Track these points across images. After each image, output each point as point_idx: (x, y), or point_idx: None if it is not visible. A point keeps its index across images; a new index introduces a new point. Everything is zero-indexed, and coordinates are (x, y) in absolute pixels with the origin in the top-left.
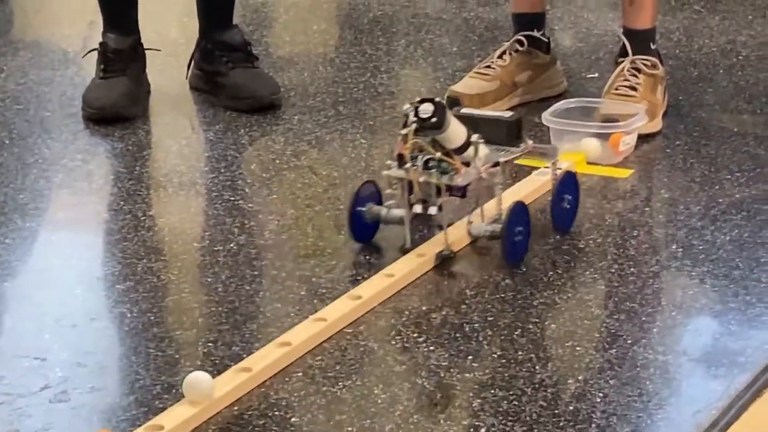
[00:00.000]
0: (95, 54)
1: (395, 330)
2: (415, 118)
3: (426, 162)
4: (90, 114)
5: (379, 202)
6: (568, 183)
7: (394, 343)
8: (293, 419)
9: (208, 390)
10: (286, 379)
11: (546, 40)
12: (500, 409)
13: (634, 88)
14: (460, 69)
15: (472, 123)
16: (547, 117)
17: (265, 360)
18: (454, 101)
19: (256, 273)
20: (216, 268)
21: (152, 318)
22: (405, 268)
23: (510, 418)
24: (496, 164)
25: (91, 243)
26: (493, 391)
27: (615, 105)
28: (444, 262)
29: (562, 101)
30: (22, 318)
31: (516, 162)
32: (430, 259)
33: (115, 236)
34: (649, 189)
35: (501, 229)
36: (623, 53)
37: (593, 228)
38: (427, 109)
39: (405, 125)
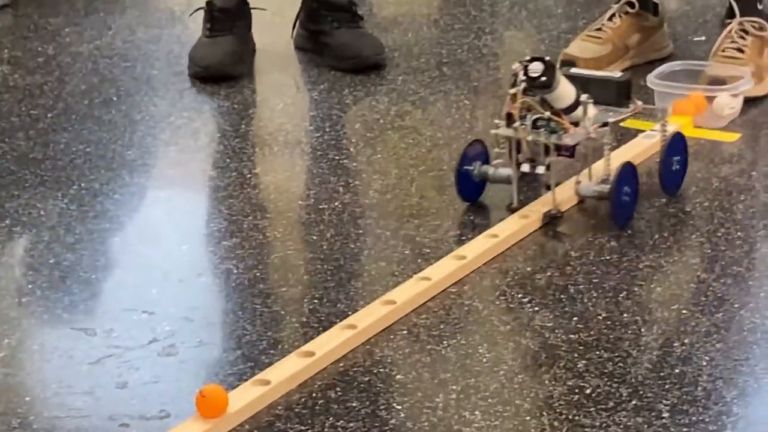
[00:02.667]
0: (201, 13)
1: (499, 290)
2: (525, 77)
3: (535, 121)
4: (196, 72)
5: (487, 161)
6: (677, 145)
7: (498, 303)
8: (398, 377)
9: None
10: (391, 337)
11: (656, 1)
12: (605, 371)
13: (741, 50)
14: (565, 31)
15: (581, 83)
16: (651, 79)
17: (370, 317)
18: (570, 64)
19: (360, 232)
20: (321, 226)
21: (258, 274)
22: (509, 229)
23: (615, 379)
24: (605, 124)
25: (198, 199)
26: (598, 353)
27: (721, 67)
28: (551, 221)
29: (668, 64)
30: (131, 272)
31: (622, 124)
32: (535, 220)
33: (221, 193)
34: (755, 153)
35: (609, 190)
36: (730, 14)
37: (699, 192)
38: (536, 68)
39: (514, 84)
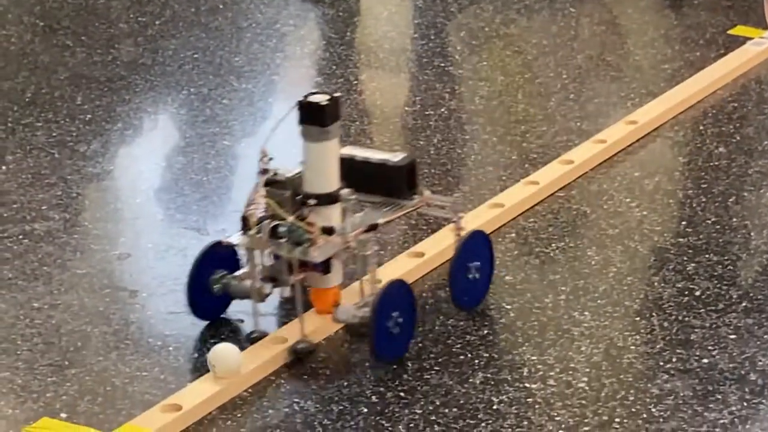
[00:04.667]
0: None
1: (607, 195)
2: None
3: (274, 228)
4: None
5: (235, 268)
6: (475, 246)
7: (606, 207)
8: (507, 278)
9: (235, 365)
10: (499, 239)
11: None
12: (715, 273)
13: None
14: None
15: (348, 169)
16: None
17: (478, 219)
18: None
19: (467, 137)
20: (428, 131)
21: None
22: (617, 134)
23: (725, 281)
24: (373, 227)
25: None
26: (707, 256)
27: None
28: (300, 357)
29: None
30: (240, 176)
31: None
32: (643, 126)
33: None
34: None
35: (370, 317)
36: None
37: None
38: (320, 98)
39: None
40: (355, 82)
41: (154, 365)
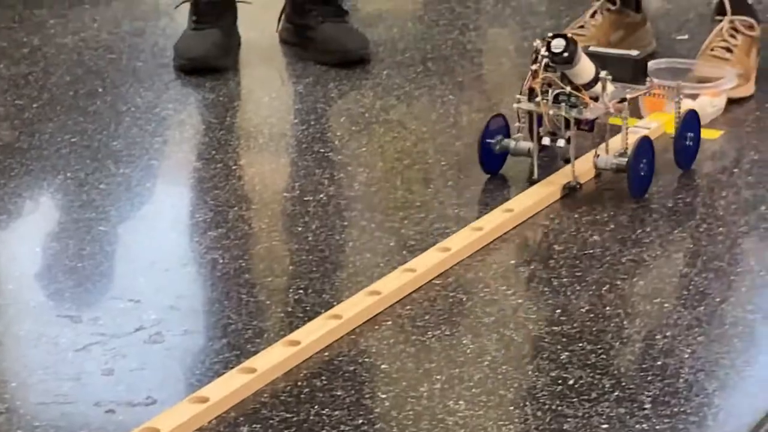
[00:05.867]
0: (187, 5)
1: (483, 282)
2: (547, 53)
3: (556, 96)
4: (182, 64)
5: (508, 135)
6: (690, 121)
7: (482, 295)
8: (382, 366)
9: None
10: (376, 327)
11: None
12: (588, 362)
13: (730, 50)
14: (548, 28)
15: (599, 60)
16: None
17: (354, 308)
18: None
19: (345, 224)
20: (306, 217)
21: (243, 264)
22: (494, 222)
23: (598, 371)
24: (623, 100)
25: (183, 191)
26: (581, 345)
27: (707, 68)
28: (570, 192)
29: (653, 61)
30: (117, 262)
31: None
32: (519, 214)
33: (207, 184)
34: (738, 150)
35: (627, 162)
36: (720, 11)
37: (682, 188)
38: (558, 44)
39: (535, 61)
40: (234, 167)
41: None
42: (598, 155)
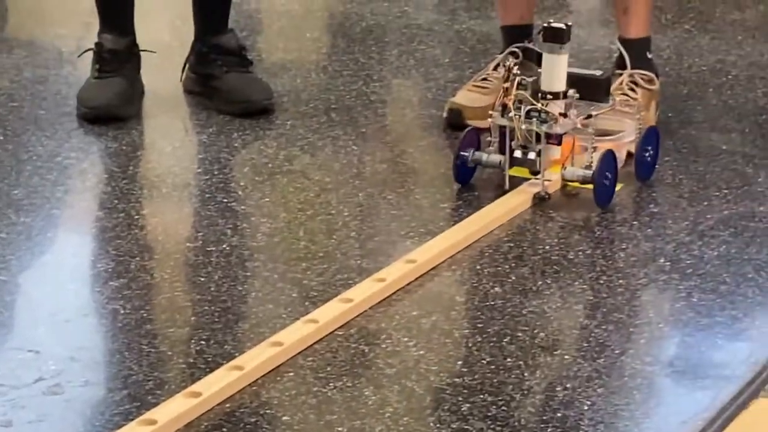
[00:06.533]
0: (90, 54)
1: (386, 333)
2: (544, 27)
3: (528, 112)
4: (84, 113)
5: (479, 149)
6: (650, 136)
7: (384, 346)
8: (284, 418)
9: None
10: (278, 378)
11: (538, 51)
12: (489, 414)
13: (629, 104)
14: (452, 80)
15: (567, 79)
16: None
17: (256, 359)
18: (457, 113)
19: (248, 274)
20: (209, 267)
21: (145, 315)
22: (396, 273)
23: (499, 422)
24: (589, 116)
25: (85, 240)
26: (482, 396)
27: (607, 120)
28: (540, 202)
29: None
30: (17, 312)
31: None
32: (422, 265)
33: (109, 234)
34: (637, 203)
35: (592, 174)
36: (621, 65)
37: (582, 240)
38: (557, 24)
39: (507, 79)
40: (137, 216)
41: None
42: (565, 167)
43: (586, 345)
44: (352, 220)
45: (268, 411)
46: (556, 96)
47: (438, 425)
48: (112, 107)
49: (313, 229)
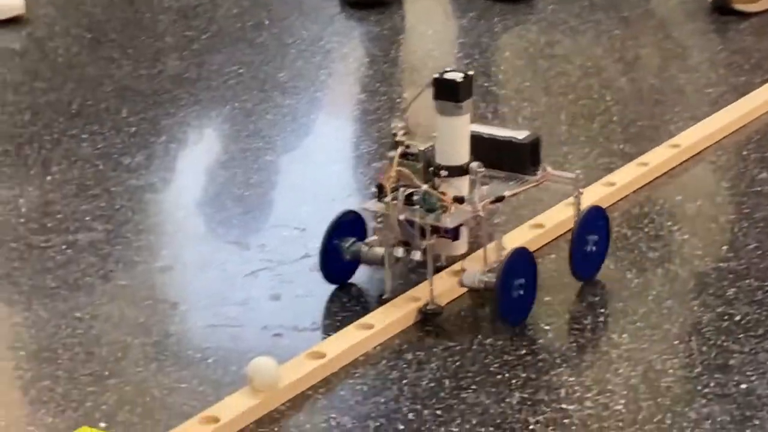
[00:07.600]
0: None
1: (648, 218)
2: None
3: (409, 196)
4: None
5: (363, 236)
6: (593, 220)
7: (647, 230)
8: (546, 298)
9: (273, 379)
10: (540, 259)
11: None
12: (755, 299)
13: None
14: None
15: (475, 144)
16: None
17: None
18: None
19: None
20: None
21: None
22: (659, 158)
23: (765, 307)
24: (500, 199)
25: (347, 122)
26: (748, 281)
27: None
28: (427, 319)
29: None
30: (282, 191)
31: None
32: (686, 150)
33: (371, 117)
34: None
35: (495, 280)
36: None
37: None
38: (456, 75)
39: (395, 146)
40: (398, 100)
41: (192, 377)
42: (465, 269)
43: None
44: (614, 105)
45: None
46: (453, 172)
47: (702, 309)
48: None
49: (575, 113)
